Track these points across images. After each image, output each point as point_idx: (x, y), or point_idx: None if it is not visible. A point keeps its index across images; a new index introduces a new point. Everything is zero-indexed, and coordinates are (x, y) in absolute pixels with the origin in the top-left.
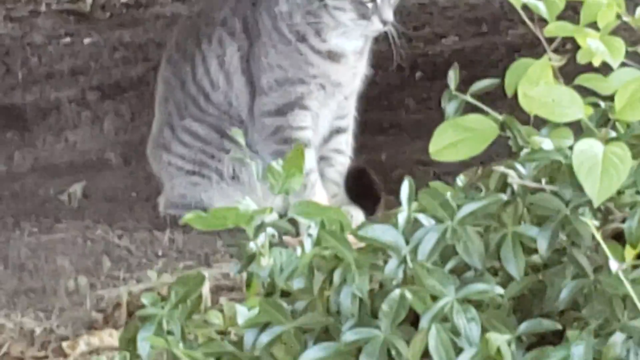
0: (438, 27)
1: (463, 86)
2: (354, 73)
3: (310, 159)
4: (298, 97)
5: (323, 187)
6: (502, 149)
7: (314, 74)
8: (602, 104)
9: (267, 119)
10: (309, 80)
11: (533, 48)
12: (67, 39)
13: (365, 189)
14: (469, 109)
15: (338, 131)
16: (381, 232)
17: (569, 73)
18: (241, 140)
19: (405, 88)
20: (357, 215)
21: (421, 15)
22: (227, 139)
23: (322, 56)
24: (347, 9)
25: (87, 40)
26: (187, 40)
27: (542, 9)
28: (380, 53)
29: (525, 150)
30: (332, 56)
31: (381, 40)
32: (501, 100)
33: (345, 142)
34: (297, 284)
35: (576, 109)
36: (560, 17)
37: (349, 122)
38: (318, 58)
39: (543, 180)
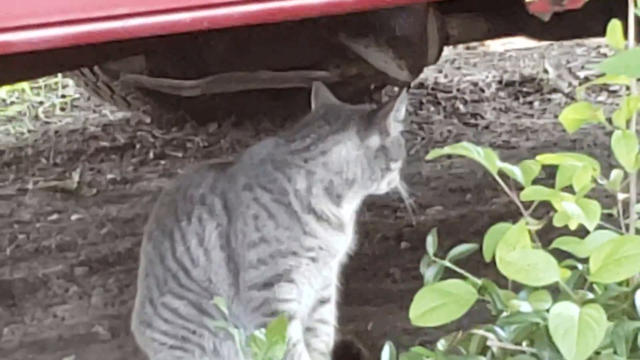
0: (422, 198)
1: (447, 254)
2: (347, 240)
3: (296, 330)
4: (286, 269)
5: (309, 358)
6: (484, 313)
7: (309, 246)
8: (580, 266)
9: (254, 293)
10: (302, 253)
11: (517, 216)
12: (55, 216)
13: (353, 359)
14: (450, 275)
15: (322, 301)
16: None
17: (549, 237)
18: (224, 308)
19: (390, 258)
20: None
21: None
22: (206, 315)
23: (332, 226)
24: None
25: (74, 217)
26: (166, 216)
27: (518, 174)
28: (365, 224)
29: (504, 314)
30: (340, 224)
31: (365, 210)
32: (485, 266)
33: (329, 312)
34: None
35: (552, 272)
36: (540, 183)
37: (332, 291)
38: (322, 228)
39: (523, 343)
